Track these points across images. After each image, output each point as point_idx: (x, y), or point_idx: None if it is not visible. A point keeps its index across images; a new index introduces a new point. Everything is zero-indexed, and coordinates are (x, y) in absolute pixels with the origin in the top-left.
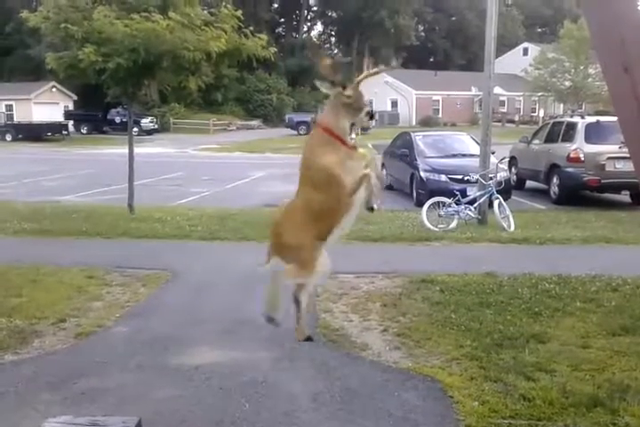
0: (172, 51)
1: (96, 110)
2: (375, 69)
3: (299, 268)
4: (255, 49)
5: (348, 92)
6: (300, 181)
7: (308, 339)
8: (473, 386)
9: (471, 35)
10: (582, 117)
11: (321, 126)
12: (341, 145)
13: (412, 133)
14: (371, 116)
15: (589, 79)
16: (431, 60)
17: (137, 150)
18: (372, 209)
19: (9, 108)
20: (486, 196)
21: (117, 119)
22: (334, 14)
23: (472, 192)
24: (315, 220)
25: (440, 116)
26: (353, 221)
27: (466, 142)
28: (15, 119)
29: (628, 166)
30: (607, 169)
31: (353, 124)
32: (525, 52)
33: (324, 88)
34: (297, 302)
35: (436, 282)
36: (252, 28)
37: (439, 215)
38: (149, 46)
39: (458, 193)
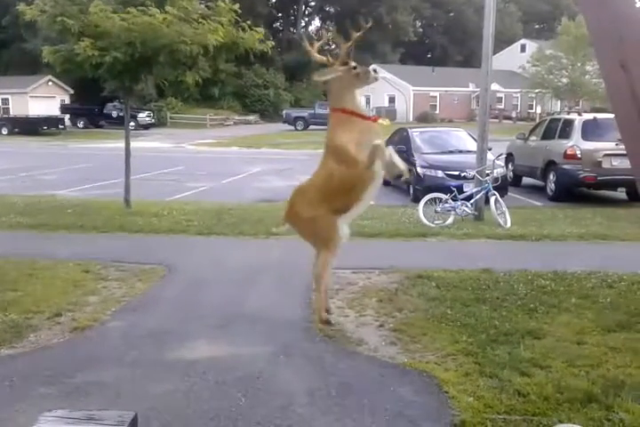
0: (169, 45)
1: (93, 104)
2: (358, 34)
3: (325, 250)
4: (252, 43)
5: (352, 63)
6: (322, 159)
7: (328, 322)
8: (468, 382)
9: (469, 31)
10: (579, 114)
11: (338, 110)
12: (362, 120)
13: (409, 129)
14: (375, 70)
15: (587, 76)
16: (429, 56)
17: (133, 145)
18: (400, 177)
19: (5, 101)
20: (483, 192)
21: (114, 113)
22: (332, 9)
23: (469, 188)
24: (334, 194)
25: (437, 112)
26: (375, 193)
27: (463, 139)
28: (11, 113)
29: (624, 163)
30: (604, 166)
31: None
32: (523, 48)
33: (330, 75)
34: (318, 283)
35: (433, 278)
36: (249, 23)
37: (436, 211)
38: (146, 40)
39: (454, 189)
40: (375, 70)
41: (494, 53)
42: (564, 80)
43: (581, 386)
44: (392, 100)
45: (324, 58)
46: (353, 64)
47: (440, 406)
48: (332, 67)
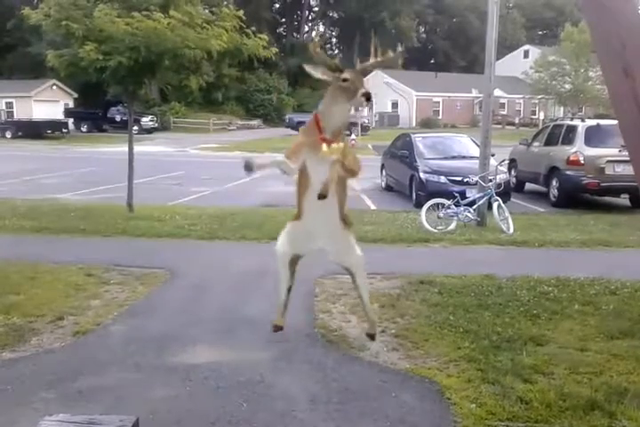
0: (172, 49)
1: (96, 108)
2: (380, 59)
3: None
4: (256, 49)
5: (345, 75)
6: None
7: (370, 336)
8: (470, 388)
9: (472, 37)
10: (582, 120)
11: (315, 112)
12: (317, 133)
13: (411, 135)
14: (367, 97)
15: (590, 82)
16: (432, 61)
17: (137, 149)
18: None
19: (9, 105)
20: (485, 198)
21: (117, 117)
22: (335, 15)
23: (471, 194)
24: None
25: (440, 117)
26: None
27: (465, 144)
28: (15, 117)
29: (627, 170)
30: (607, 172)
31: (354, 124)
32: (526, 54)
33: (318, 73)
34: (361, 297)
35: (435, 283)
36: (253, 28)
37: (438, 217)
38: (150, 45)
39: (457, 195)
40: (369, 98)
41: (497, 59)
42: (567, 86)
43: (584, 393)
44: (395, 105)
45: (328, 59)
46: (345, 76)
47: (442, 413)
48: (327, 70)
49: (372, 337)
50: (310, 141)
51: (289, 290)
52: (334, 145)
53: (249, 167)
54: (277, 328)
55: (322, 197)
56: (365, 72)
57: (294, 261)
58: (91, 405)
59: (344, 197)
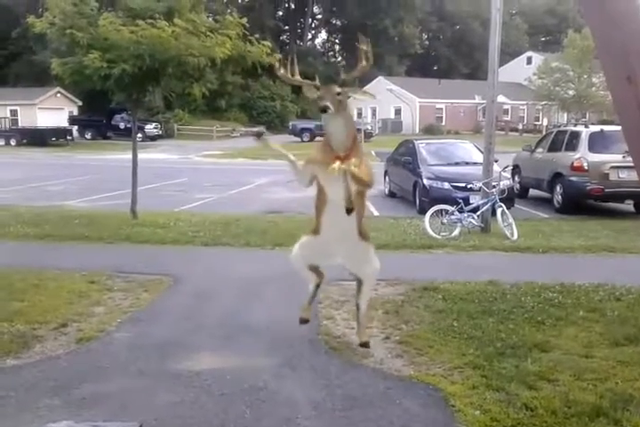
0: (177, 57)
1: (100, 116)
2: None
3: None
4: (260, 56)
5: (319, 93)
6: None
7: (364, 345)
8: (475, 395)
9: (475, 43)
10: (586, 126)
11: None
12: (329, 150)
13: (415, 141)
14: (321, 110)
15: (593, 88)
16: (435, 68)
17: (141, 156)
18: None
19: (14, 113)
20: (489, 204)
21: (121, 125)
22: (339, 22)
23: (475, 200)
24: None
25: (443, 124)
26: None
27: (469, 150)
28: (20, 124)
29: (631, 176)
30: (611, 178)
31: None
32: (529, 60)
33: (309, 92)
34: (357, 307)
35: (439, 290)
36: (256, 36)
37: (442, 223)
38: (154, 53)
39: (461, 201)
40: (323, 110)
41: (500, 66)
42: (571, 92)
43: (589, 400)
44: (398, 111)
45: (306, 81)
46: (318, 94)
47: (446, 420)
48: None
49: (366, 345)
50: (321, 158)
51: (317, 287)
52: (353, 160)
53: (260, 134)
54: (303, 320)
55: (349, 210)
56: (344, 85)
57: (314, 267)
58: (94, 411)
59: (362, 210)
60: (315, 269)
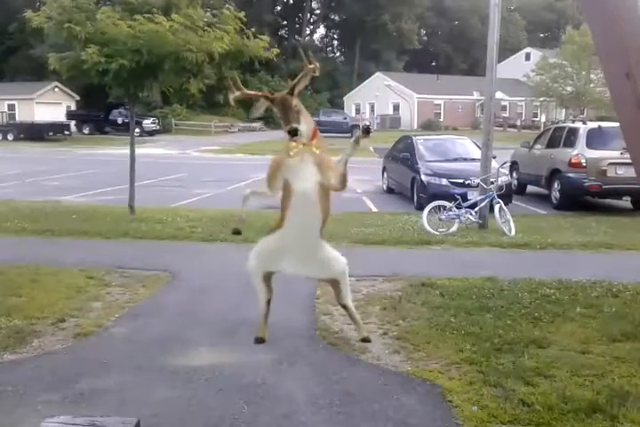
0: (174, 52)
1: (98, 111)
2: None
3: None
4: (257, 50)
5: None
6: None
7: (365, 340)
8: (472, 391)
9: (473, 39)
10: (584, 123)
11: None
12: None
13: (413, 137)
14: (293, 133)
15: (591, 85)
16: (433, 64)
17: (138, 151)
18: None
19: (11, 107)
20: (487, 200)
21: (119, 120)
22: (337, 17)
23: (473, 196)
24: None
25: (442, 120)
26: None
27: (467, 147)
28: (17, 119)
29: (629, 172)
30: (608, 175)
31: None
32: (528, 57)
33: (260, 110)
34: (344, 307)
35: (437, 286)
36: (253, 30)
37: (440, 219)
38: (152, 48)
39: (459, 197)
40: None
41: (499, 62)
42: (569, 88)
43: (586, 396)
44: (396, 107)
45: (259, 93)
46: (293, 102)
47: (443, 415)
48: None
49: (367, 340)
50: (281, 155)
51: (268, 302)
52: (314, 141)
53: (237, 231)
54: (259, 340)
55: (343, 186)
56: (293, 90)
57: (268, 277)
58: (92, 407)
59: (327, 206)
60: (267, 281)
